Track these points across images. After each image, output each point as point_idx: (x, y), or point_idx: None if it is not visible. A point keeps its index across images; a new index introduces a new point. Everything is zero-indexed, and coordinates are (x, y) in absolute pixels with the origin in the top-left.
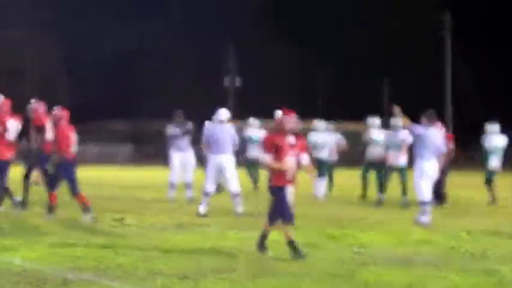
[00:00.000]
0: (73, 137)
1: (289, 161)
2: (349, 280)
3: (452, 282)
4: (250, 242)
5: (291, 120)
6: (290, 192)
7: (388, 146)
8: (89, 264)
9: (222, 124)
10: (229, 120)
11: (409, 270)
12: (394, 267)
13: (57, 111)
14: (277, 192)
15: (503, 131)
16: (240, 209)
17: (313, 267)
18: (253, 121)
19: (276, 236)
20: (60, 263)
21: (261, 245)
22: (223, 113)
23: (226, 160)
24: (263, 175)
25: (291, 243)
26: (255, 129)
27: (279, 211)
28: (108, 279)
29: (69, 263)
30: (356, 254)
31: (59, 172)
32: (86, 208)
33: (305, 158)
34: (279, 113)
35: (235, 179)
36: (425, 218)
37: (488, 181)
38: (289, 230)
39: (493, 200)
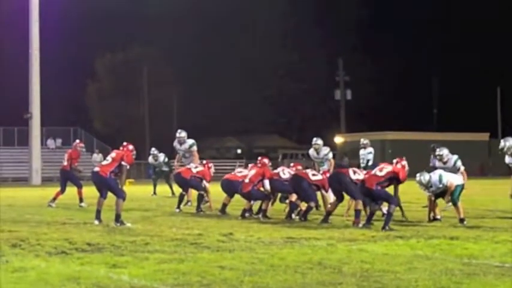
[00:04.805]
0: None
1: None
2: None
3: None
4: (359, 255)
5: None
6: None
7: None
8: (194, 279)
9: None
10: None
11: None
12: (504, 277)
13: None
14: None
15: None
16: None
17: (420, 279)
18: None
19: (383, 248)
20: (166, 279)
21: None
22: None
23: None
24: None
25: None
26: None
27: None
28: None
29: (175, 279)
30: (465, 265)
31: None
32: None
33: None
34: None
35: None
36: None
37: None
38: None
39: None
